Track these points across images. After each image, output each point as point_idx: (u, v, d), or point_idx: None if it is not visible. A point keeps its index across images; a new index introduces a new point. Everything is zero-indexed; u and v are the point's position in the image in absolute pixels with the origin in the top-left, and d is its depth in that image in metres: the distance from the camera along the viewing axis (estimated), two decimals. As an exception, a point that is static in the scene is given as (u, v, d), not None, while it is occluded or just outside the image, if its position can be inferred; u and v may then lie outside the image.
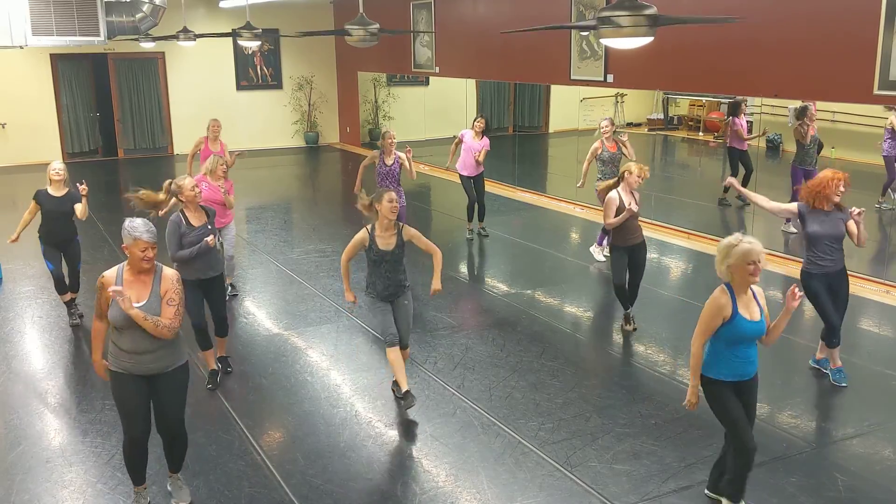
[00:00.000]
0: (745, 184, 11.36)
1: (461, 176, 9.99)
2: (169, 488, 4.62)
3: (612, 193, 6.62)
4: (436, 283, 5.54)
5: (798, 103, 13.19)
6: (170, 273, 4.28)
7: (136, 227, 4.13)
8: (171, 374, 4.30)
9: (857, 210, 5.57)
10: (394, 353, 5.46)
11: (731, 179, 6.37)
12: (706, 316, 4.07)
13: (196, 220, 5.81)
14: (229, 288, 8.03)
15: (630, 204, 6.56)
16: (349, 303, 5.70)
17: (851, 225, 5.59)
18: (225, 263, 7.95)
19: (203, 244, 5.67)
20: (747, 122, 11.55)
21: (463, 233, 10.28)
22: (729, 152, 11.54)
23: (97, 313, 4.25)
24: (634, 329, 6.88)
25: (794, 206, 5.74)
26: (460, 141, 9.86)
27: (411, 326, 5.69)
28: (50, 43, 11.74)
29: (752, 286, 4.07)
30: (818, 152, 10.01)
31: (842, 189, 5.52)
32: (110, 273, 4.20)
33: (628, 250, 6.75)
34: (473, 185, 9.95)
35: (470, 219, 10.13)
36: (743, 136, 11.29)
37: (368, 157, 8.74)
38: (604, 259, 8.76)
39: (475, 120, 9.83)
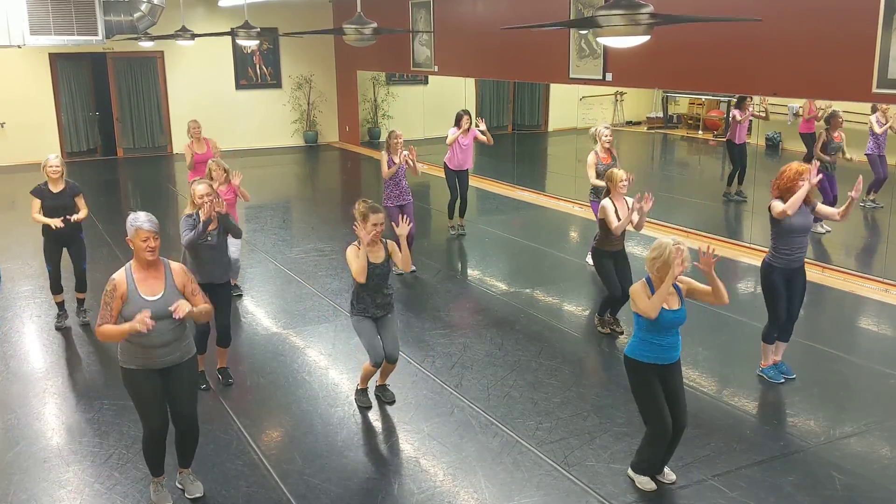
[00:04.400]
0: (738, 179, 11.48)
1: (446, 171, 10.03)
2: (179, 484, 4.65)
3: (606, 202, 6.62)
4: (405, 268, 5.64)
5: (800, 102, 13.26)
6: (177, 266, 4.35)
7: (138, 217, 4.18)
8: (183, 366, 4.36)
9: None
10: (372, 371, 5.50)
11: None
12: (636, 300, 4.43)
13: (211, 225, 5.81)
14: (234, 288, 8.02)
15: (626, 212, 6.59)
16: None
17: (822, 208, 5.70)
18: (231, 264, 7.98)
19: (204, 225, 5.64)
20: (750, 120, 11.57)
21: (462, 230, 10.31)
22: (727, 146, 11.66)
23: (105, 318, 4.12)
24: (620, 331, 6.89)
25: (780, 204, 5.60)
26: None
27: (398, 344, 5.62)
28: (48, 42, 11.74)
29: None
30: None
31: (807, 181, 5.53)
32: (119, 274, 4.19)
33: (613, 256, 6.76)
34: (458, 180, 9.98)
35: (451, 216, 10.19)
36: (733, 125, 11.45)
37: (382, 163, 8.69)
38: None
39: (461, 119, 9.87)
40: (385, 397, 5.75)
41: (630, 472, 4.66)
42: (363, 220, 5.28)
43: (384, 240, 5.44)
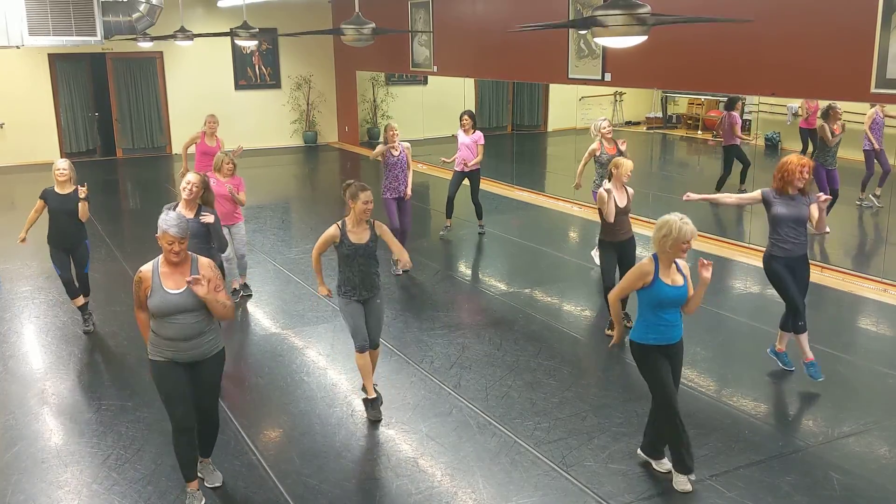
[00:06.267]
0: (740, 179, 11.46)
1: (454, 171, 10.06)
2: (199, 474, 4.63)
3: (602, 190, 6.60)
4: (402, 256, 5.56)
5: (799, 101, 13.25)
6: (206, 261, 4.37)
7: (168, 219, 4.20)
8: (211, 360, 4.38)
9: (823, 196, 5.78)
10: (363, 359, 5.42)
11: (689, 195, 6.40)
12: (628, 277, 4.57)
13: (189, 213, 5.87)
14: (244, 288, 8.05)
15: (625, 201, 6.58)
16: (323, 296, 5.69)
17: (814, 209, 5.74)
18: (237, 262, 7.98)
19: (199, 224, 5.79)
20: (743, 120, 11.61)
21: (462, 231, 10.29)
22: (724, 149, 11.65)
23: (137, 305, 4.34)
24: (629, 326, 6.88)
25: (757, 193, 5.89)
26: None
27: (382, 328, 5.61)
28: (47, 43, 11.74)
29: (677, 260, 4.51)
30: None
31: (805, 175, 5.66)
32: (147, 267, 4.27)
33: (617, 247, 6.72)
34: (469, 181, 9.99)
35: (448, 215, 10.18)
36: (736, 131, 11.44)
37: (377, 150, 8.68)
38: None
39: (462, 118, 9.90)
40: (371, 408, 5.50)
41: (641, 453, 4.83)
42: (353, 200, 5.24)
43: (371, 220, 5.37)
